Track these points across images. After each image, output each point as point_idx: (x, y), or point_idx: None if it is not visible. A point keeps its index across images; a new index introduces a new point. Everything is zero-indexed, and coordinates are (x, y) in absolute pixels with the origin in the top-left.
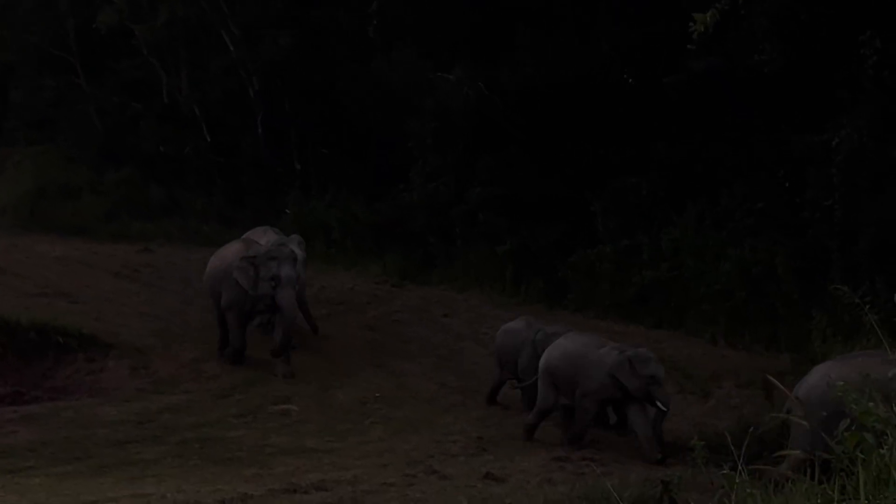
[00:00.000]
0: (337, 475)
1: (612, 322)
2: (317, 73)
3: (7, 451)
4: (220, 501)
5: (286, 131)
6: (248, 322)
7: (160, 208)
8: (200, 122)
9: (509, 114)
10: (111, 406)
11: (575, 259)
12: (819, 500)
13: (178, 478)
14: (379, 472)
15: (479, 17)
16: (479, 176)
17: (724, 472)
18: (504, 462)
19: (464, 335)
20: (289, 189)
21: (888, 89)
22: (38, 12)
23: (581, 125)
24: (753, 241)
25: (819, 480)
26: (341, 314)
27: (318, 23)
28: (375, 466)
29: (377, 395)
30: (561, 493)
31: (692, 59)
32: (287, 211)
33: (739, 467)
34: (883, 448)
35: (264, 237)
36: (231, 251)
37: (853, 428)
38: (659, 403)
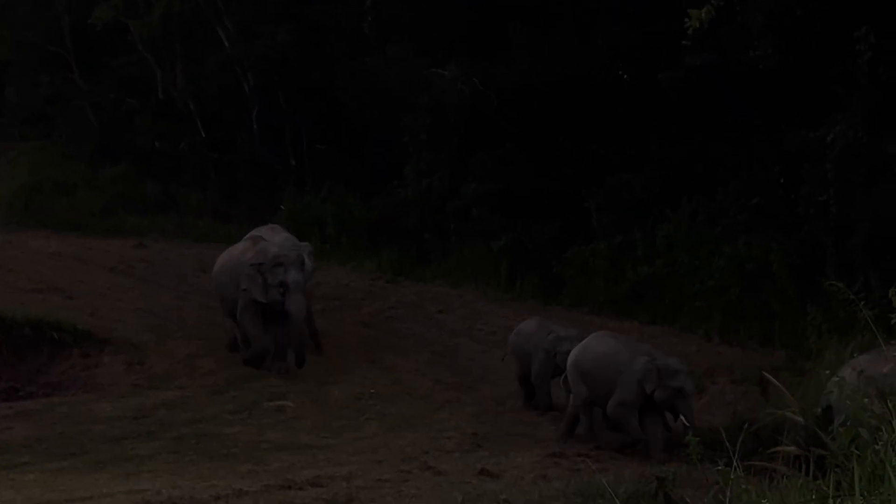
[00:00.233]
0: (332, 471)
1: (606, 318)
2: (312, 69)
3: (2, 446)
4: (215, 497)
5: (281, 127)
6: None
7: (155, 204)
8: (195, 117)
9: (504, 110)
10: (106, 402)
11: (569, 255)
12: (814, 496)
13: (173, 473)
14: (374, 468)
15: (474, 13)
16: (473, 172)
17: (719, 468)
18: (499, 458)
19: (458, 331)
20: (284, 185)
21: (882, 85)
22: (34, 9)
23: (576, 121)
24: (748, 237)
25: (814, 476)
26: (336, 310)
27: (314, 19)
28: (370, 462)
29: (372, 391)
30: (556, 489)
31: (687, 55)
32: (282, 207)
33: (734, 463)
34: (878, 444)
35: (274, 236)
36: (239, 250)
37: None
38: (683, 418)
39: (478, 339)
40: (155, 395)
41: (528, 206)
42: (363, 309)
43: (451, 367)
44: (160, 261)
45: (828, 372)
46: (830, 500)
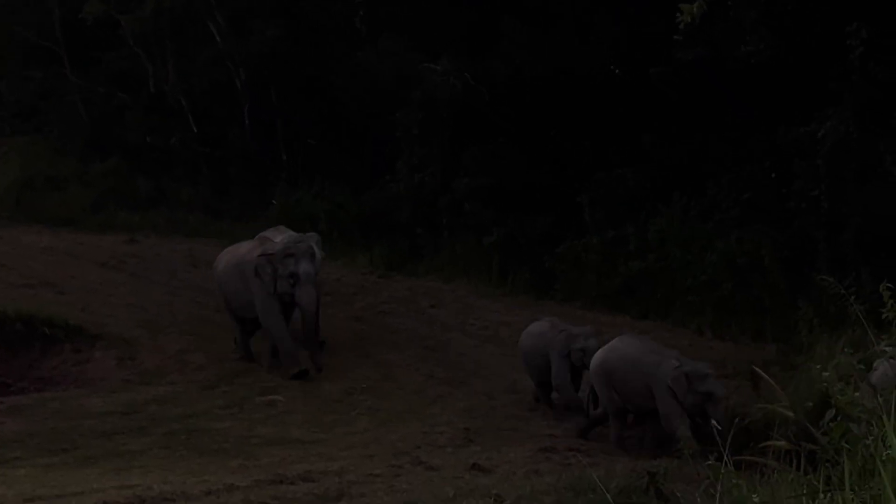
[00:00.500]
0: (323, 466)
1: (598, 313)
2: (304, 64)
3: None
4: (206, 492)
5: (273, 122)
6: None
7: (147, 199)
8: (187, 112)
9: (496, 105)
10: (97, 397)
11: (562, 250)
12: (805, 491)
13: (165, 469)
14: (365, 463)
15: (466, 8)
16: (465, 167)
17: (710, 462)
18: (491, 453)
19: (450, 326)
20: (276, 180)
21: (874, 80)
22: (25, 4)
23: (568, 116)
24: (740, 231)
25: (805, 471)
26: (328, 305)
27: (306, 14)
28: (362, 457)
29: (363, 386)
30: (547, 483)
31: (679, 50)
32: (274, 202)
33: (725, 458)
34: (868, 439)
35: (279, 236)
36: (245, 249)
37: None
38: (714, 422)
39: (470, 334)
40: (146, 391)
41: (520, 201)
42: (355, 304)
43: (442, 362)
44: (151, 256)
45: (818, 366)
46: (821, 495)
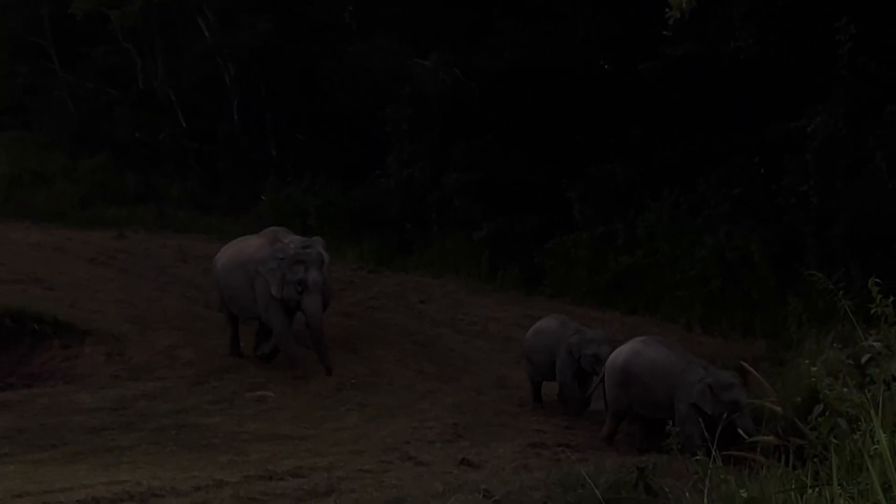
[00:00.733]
0: (312, 462)
1: (588, 308)
2: (293, 59)
3: None
4: (195, 488)
5: (262, 117)
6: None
7: (135, 195)
8: (176, 108)
9: (485, 100)
10: (86, 393)
11: (551, 245)
12: (793, 486)
13: (154, 465)
14: (355, 458)
15: (456, 3)
16: (455, 162)
17: (699, 458)
18: (480, 448)
19: (440, 321)
20: (265, 175)
21: (863, 76)
22: None
23: (557, 112)
24: (729, 227)
25: (793, 466)
26: None
27: (295, 9)
28: (351, 453)
29: (353, 381)
30: (537, 479)
31: (669, 45)
32: (263, 197)
33: (713, 454)
34: (856, 434)
35: (287, 237)
36: (252, 247)
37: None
38: (741, 431)
39: (459, 330)
40: (135, 387)
41: (510, 197)
42: (345, 299)
43: (432, 358)
44: (140, 252)
45: (807, 362)
46: (809, 490)
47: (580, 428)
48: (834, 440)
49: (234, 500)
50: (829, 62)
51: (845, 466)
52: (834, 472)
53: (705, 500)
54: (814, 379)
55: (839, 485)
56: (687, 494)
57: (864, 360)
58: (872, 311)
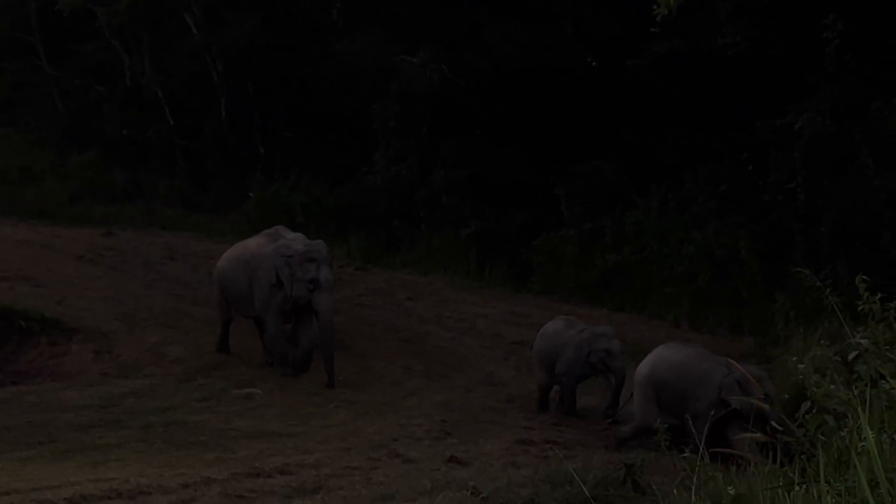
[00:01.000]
0: (300, 459)
1: (575, 305)
2: (281, 56)
3: None
4: (183, 485)
5: (250, 115)
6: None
7: (123, 192)
8: (164, 105)
9: (473, 97)
10: (74, 390)
11: (539, 242)
12: (780, 483)
13: (142, 462)
14: (342, 455)
15: (443, 0)
16: (443, 159)
17: (686, 455)
18: (468, 445)
19: (428, 318)
20: (252, 173)
21: (850, 73)
22: None
23: (545, 109)
24: (717, 224)
25: (781, 463)
26: None
27: (283, 6)
28: (339, 450)
29: (341, 378)
30: (524, 476)
31: (656, 42)
32: (251, 195)
33: (701, 450)
34: (843, 431)
35: (290, 235)
36: (255, 245)
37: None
38: (773, 423)
39: (447, 327)
40: (123, 384)
41: (498, 194)
42: None
43: (420, 355)
44: (128, 249)
45: (795, 358)
46: (796, 487)
47: (568, 425)
48: (821, 437)
49: (221, 497)
50: (816, 59)
51: (832, 463)
52: (821, 469)
53: (693, 497)
54: (801, 376)
55: (826, 482)
56: (675, 491)
57: (851, 357)
58: (859, 308)
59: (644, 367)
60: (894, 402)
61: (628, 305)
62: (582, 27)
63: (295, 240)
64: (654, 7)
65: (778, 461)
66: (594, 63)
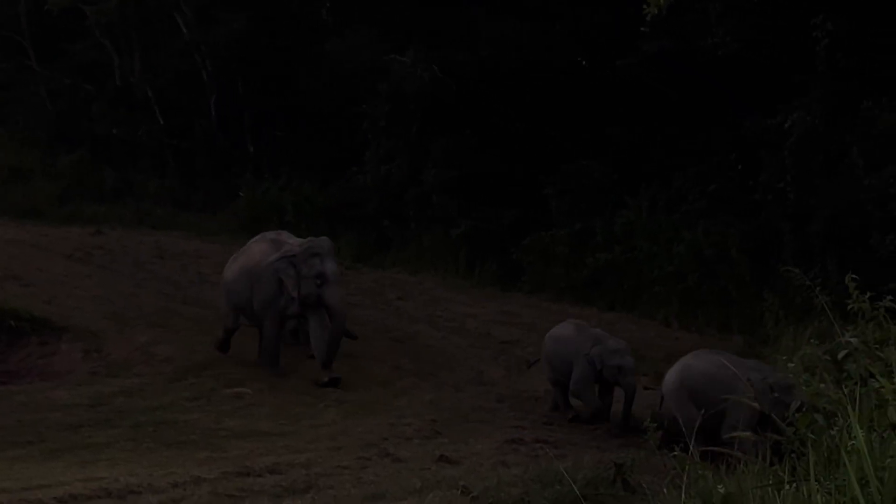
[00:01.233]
0: (290, 458)
1: (565, 304)
2: (270, 55)
3: None
4: (172, 485)
5: (239, 114)
6: (284, 324)
7: (113, 191)
8: (153, 104)
9: (463, 96)
10: (63, 390)
11: (529, 242)
12: (770, 482)
13: (131, 461)
14: (333, 455)
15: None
16: (433, 159)
17: (676, 454)
18: (458, 445)
19: (418, 318)
20: (242, 172)
21: (840, 72)
22: None
23: (535, 108)
24: (706, 223)
25: (770, 462)
26: None
27: (272, 5)
28: (329, 449)
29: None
30: (515, 475)
31: (646, 41)
32: (240, 194)
33: (691, 449)
34: (833, 430)
35: (291, 239)
36: (259, 252)
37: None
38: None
39: (437, 326)
40: (112, 383)
41: (488, 193)
42: None
43: (410, 354)
44: (118, 248)
45: (784, 357)
46: (786, 486)
47: (558, 424)
48: (811, 436)
49: (211, 496)
50: (806, 59)
51: (822, 462)
52: (811, 467)
53: (683, 496)
54: (791, 375)
55: (816, 480)
56: (665, 490)
57: (840, 356)
58: (849, 307)
59: (673, 375)
60: (884, 400)
61: (618, 305)
62: (572, 27)
63: (297, 245)
64: (645, 6)
65: (768, 460)
66: (584, 62)
